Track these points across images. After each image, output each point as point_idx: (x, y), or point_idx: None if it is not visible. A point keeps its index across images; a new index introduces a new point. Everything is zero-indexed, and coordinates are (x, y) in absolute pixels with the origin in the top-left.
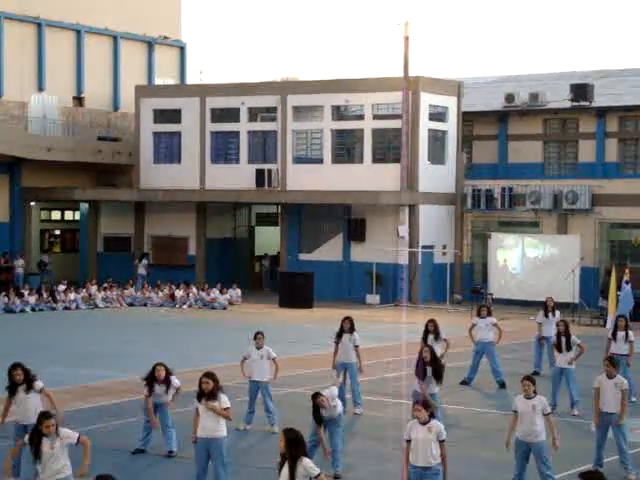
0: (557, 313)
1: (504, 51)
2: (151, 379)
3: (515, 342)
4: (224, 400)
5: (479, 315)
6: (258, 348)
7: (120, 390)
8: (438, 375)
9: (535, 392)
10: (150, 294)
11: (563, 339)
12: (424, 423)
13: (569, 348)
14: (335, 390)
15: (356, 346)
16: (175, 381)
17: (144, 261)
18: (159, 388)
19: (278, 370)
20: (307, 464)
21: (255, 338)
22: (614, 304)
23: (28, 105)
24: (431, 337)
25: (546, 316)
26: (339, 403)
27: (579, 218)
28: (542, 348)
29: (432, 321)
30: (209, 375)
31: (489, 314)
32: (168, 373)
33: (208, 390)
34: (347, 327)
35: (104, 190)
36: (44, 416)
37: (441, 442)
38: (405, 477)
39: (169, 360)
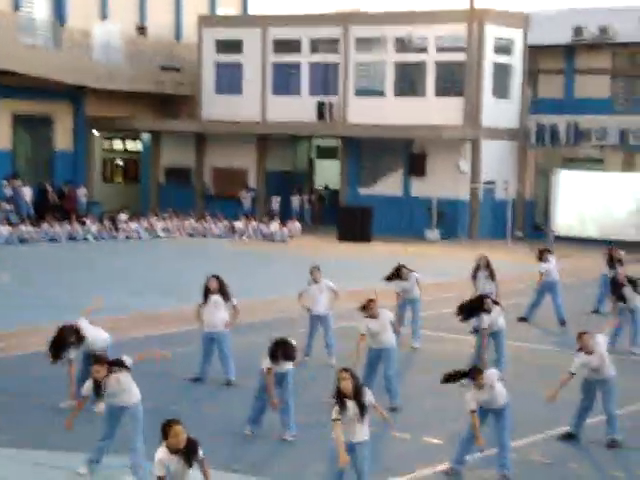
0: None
1: None
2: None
3: (581, 280)
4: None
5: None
6: (316, 282)
7: (183, 318)
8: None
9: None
10: (210, 225)
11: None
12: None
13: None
14: (390, 314)
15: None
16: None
17: (251, 193)
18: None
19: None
20: (369, 395)
21: (311, 273)
22: None
23: (92, 33)
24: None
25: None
26: (394, 339)
27: None
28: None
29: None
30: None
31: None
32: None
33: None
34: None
35: (166, 120)
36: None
37: None
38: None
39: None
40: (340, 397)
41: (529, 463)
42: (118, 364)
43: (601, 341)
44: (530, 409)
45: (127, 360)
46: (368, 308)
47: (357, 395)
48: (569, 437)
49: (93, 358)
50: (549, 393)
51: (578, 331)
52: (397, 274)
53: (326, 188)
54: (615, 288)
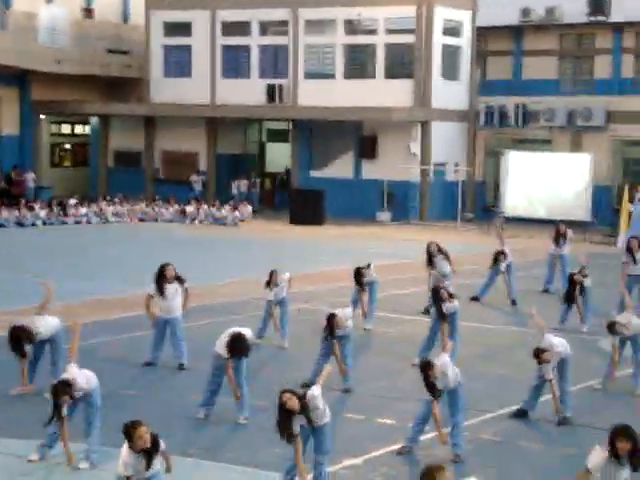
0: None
1: None
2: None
3: (529, 260)
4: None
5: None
6: (277, 285)
7: (134, 303)
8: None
9: None
10: (161, 209)
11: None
12: None
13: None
14: (349, 311)
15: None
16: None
17: (201, 177)
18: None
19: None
20: (315, 395)
21: (270, 276)
22: (626, 222)
23: (37, 16)
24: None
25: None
26: (351, 323)
27: (593, 135)
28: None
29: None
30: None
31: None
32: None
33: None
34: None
35: (114, 104)
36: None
37: None
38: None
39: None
40: (289, 417)
41: (480, 441)
42: (69, 385)
43: (550, 338)
44: (482, 388)
45: (73, 371)
46: (336, 327)
47: (304, 410)
48: (520, 414)
49: (53, 394)
50: (557, 409)
51: (535, 348)
52: (360, 275)
53: (286, 171)
54: (569, 291)
